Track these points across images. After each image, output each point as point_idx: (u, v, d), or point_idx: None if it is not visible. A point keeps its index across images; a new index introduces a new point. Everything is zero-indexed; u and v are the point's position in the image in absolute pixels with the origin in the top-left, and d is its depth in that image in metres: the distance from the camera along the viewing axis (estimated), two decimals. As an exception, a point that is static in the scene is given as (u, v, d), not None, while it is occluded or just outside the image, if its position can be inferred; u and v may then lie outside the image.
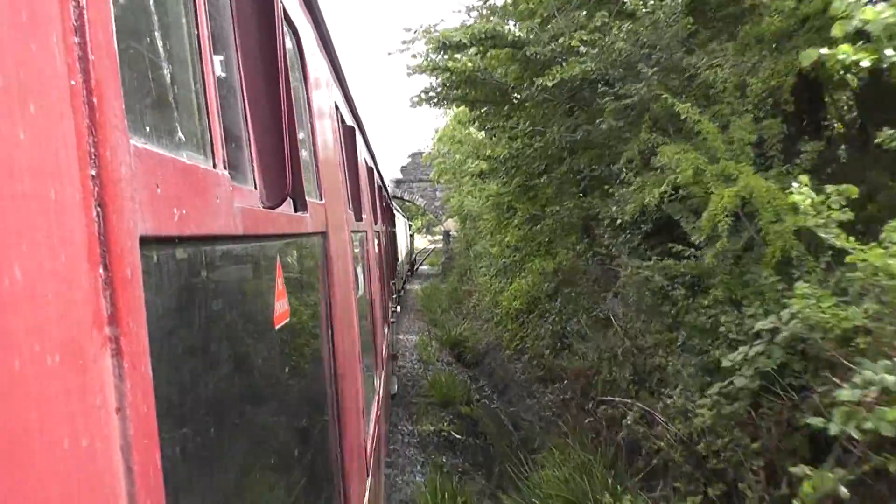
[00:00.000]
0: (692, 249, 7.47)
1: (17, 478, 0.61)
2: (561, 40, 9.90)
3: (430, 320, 26.67)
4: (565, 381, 11.40)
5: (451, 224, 42.10)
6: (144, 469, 0.81)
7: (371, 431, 4.84)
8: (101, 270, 0.76)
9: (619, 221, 9.22)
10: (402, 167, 47.53)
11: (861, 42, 4.81)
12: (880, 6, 4.70)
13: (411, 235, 53.51)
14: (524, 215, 15.33)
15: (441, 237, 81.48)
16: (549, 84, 9.68)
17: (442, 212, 43.99)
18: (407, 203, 48.21)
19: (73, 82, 0.75)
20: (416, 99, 12.89)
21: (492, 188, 17.68)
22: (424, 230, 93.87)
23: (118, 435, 0.77)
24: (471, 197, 27.77)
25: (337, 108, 4.40)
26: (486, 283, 22.91)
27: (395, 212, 25.69)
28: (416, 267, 54.11)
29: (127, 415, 0.78)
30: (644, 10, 8.94)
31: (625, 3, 9.53)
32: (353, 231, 4.52)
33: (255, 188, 1.74)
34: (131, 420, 0.79)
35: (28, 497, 0.63)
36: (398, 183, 46.49)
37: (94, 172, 0.76)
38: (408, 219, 49.98)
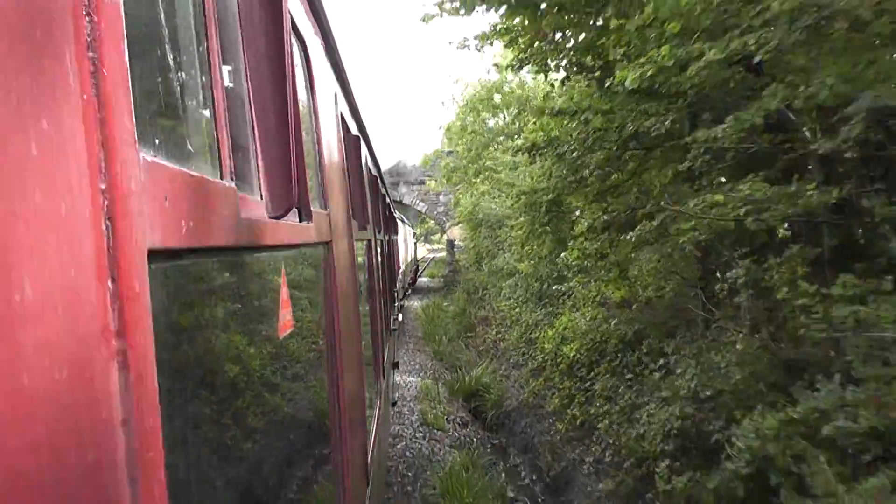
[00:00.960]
0: None
1: (23, 493, 0.61)
2: None
3: (433, 352, 21.62)
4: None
5: (456, 232, 36.89)
6: (149, 482, 0.81)
7: (371, 441, 4.84)
8: (109, 284, 0.77)
9: None
10: (390, 168, 40.62)
11: None
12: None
13: (415, 243, 48.28)
14: (596, 216, 9.42)
15: (441, 245, 74.07)
16: None
17: (446, 218, 38.59)
18: (407, 206, 40.55)
19: (85, 97, 0.75)
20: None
21: (524, 184, 12.54)
22: (422, 238, 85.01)
23: (124, 448, 0.77)
24: (488, 197, 24.10)
25: (342, 117, 4.41)
26: (512, 310, 17.67)
27: (397, 220, 24.34)
28: (419, 274, 50.05)
29: (132, 428, 0.79)
30: None
31: None
32: (356, 240, 4.52)
33: (261, 198, 1.75)
34: (137, 433, 0.79)
35: None
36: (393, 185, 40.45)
37: (103, 186, 0.77)
38: (411, 225, 44.48)
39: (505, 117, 28.58)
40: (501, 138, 27.12)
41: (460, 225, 32.07)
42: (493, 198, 23.39)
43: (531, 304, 16.67)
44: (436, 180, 34.49)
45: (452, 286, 34.37)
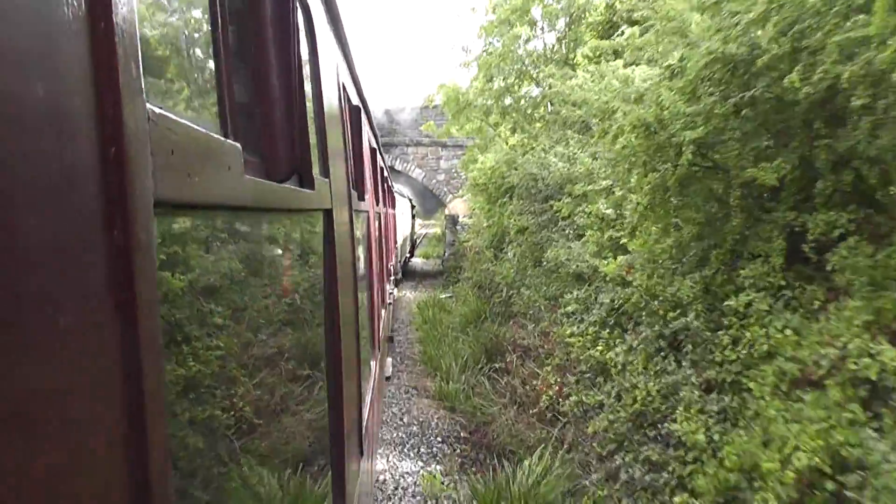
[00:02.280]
0: None
1: (27, 441, 0.61)
2: None
3: (439, 393, 13.38)
4: None
5: (459, 206, 29.30)
6: (153, 436, 0.81)
7: (367, 413, 4.86)
8: (115, 233, 0.76)
9: None
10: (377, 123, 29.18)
11: None
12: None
13: (412, 217, 41.85)
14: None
15: (435, 221, 63.14)
16: None
17: (447, 188, 30.48)
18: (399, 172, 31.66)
19: (92, 42, 0.74)
20: None
21: (647, 111, 6.96)
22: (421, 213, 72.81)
23: (127, 401, 0.77)
24: (538, 150, 16.38)
25: (344, 87, 4.38)
26: (600, 351, 9.14)
27: (395, 194, 23.60)
28: (416, 245, 46.56)
29: (136, 380, 0.78)
30: None
31: None
32: (355, 211, 4.51)
33: (263, 161, 1.74)
34: (140, 386, 0.78)
35: (38, 460, 0.62)
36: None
37: (110, 133, 0.75)
38: (409, 198, 37.91)
39: (544, 40, 21.13)
40: (546, 68, 17.85)
41: (465, 197, 25.88)
42: (543, 149, 15.97)
43: (649, 348, 8.04)
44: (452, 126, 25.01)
45: (454, 274, 27.27)
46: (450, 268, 29.17)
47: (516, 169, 16.77)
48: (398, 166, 30.57)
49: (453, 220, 30.93)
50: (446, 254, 31.51)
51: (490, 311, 16.86)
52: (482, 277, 19.42)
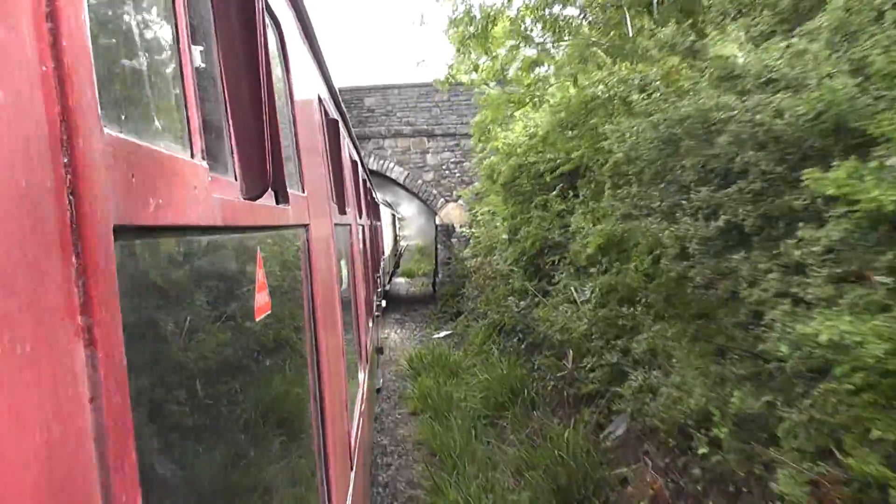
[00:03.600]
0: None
1: None
2: None
3: None
4: None
5: (454, 214, 23.31)
6: (119, 460, 0.81)
7: (355, 425, 4.84)
8: (73, 259, 0.76)
9: None
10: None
11: None
12: None
13: (395, 225, 37.55)
14: None
15: (411, 232, 54.26)
16: None
17: (437, 190, 23.63)
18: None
19: (44, 68, 0.74)
20: None
21: None
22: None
23: (92, 426, 0.76)
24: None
25: (321, 100, 4.38)
26: None
27: (379, 204, 22.60)
28: (400, 259, 40.98)
29: (101, 405, 0.78)
30: None
31: None
32: (336, 224, 4.51)
33: (236, 179, 1.73)
34: (105, 410, 0.78)
35: (1, 486, 0.62)
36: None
37: (66, 160, 0.75)
38: (394, 210, 34.80)
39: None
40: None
41: (461, 201, 22.44)
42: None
43: None
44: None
45: (452, 302, 22.11)
46: (446, 294, 23.12)
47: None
48: (373, 164, 23.24)
49: (447, 232, 23.99)
50: (439, 275, 24.64)
51: (536, 384, 10.54)
52: (507, 318, 13.03)
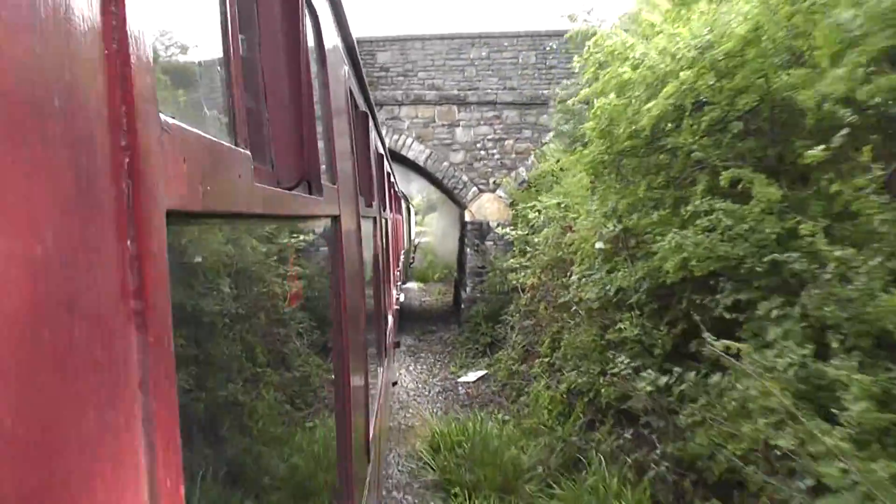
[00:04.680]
0: None
1: (42, 448, 0.61)
2: None
3: None
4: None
5: (490, 208, 18.24)
6: (165, 444, 0.81)
7: (373, 419, 4.85)
8: (128, 243, 0.76)
9: None
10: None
11: None
12: None
13: (410, 219, 32.98)
14: None
15: (427, 228, 47.71)
16: None
17: (469, 176, 18.27)
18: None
19: (106, 51, 0.74)
20: None
21: None
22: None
23: (141, 409, 0.77)
24: None
25: (351, 93, 4.39)
26: None
27: (402, 198, 21.58)
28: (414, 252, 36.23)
29: (150, 389, 0.78)
30: None
31: None
32: (363, 217, 4.52)
33: (273, 169, 1.74)
34: (154, 395, 0.78)
35: (53, 467, 0.62)
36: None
37: (124, 143, 0.76)
38: (408, 201, 31.15)
39: None
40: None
41: (499, 192, 17.79)
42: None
43: None
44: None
45: (486, 327, 16.70)
46: (477, 316, 17.39)
47: None
48: (386, 139, 16.09)
49: (480, 231, 18.28)
50: (467, 288, 18.42)
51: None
52: (605, 388, 8.03)
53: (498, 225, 17.76)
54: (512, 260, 14.30)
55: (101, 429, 0.70)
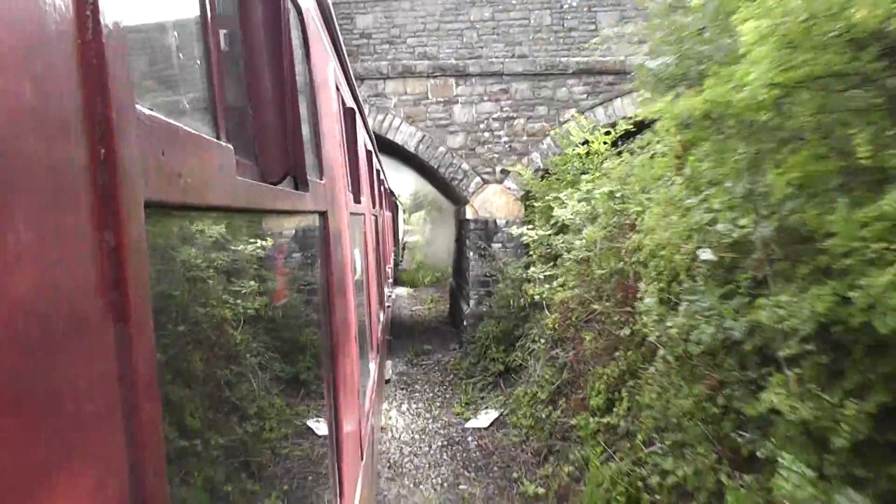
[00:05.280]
0: None
1: (20, 440, 0.60)
2: None
3: None
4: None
5: (496, 201, 15.12)
6: (147, 438, 0.80)
7: (366, 414, 4.85)
8: (105, 234, 0.75)
9: None
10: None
11: None
12: None
13: (396, 216, 29.13)
14: None
15: (412, 226, 42.44)
16: None
17: (469, 164, 15.03)
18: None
19: (79, 41, 0.73)
20: None
21: None
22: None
23: (121, 402, 0.76)
24: None
25: (338, 88, 4.37)
26: None
27: (392, 195, 21.07)
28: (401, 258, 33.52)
29: (130, 382, 0.77)
30: None
31: None
32: (351, 213, 4.51)
33: (257, 163, 1.73)
34: (134, 388, 0.78)
35: (32, 461, 0.62)
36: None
37: (100, 134, 0.75)
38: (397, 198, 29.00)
39: None
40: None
41: (507, 183, 14.82)
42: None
43: None
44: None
45: (496, 352, 13.68)
46: (485, 337, 14.16)
47: None
48: (369, 121, 12.10)
49: (485, 231, 15.14)
50: (471, 301, 15.25)
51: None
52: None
53: (507, 223, 14.98)
54: (532, 269, 11.41)
55: (80, 421, 0.70)
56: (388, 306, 12.05)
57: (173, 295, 1.09)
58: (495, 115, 15.12)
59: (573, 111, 14.40)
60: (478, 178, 15.26)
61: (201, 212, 1.18)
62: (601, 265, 8.49)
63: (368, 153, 8.15)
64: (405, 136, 15.12)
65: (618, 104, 14.70)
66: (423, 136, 15.14)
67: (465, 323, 15.70)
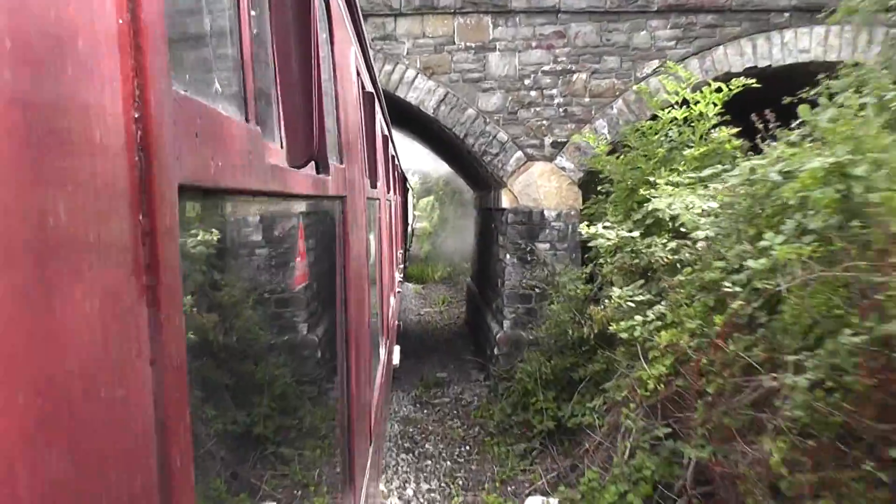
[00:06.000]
0: None
1: (54, 422, 0.60)
2: None
3: None
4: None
5: (545, 184, 10.82)
6: (175, 421, 0.80)
7: (375, 399, 4.87)
8: (140, 217, 0.75)
9: None
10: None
11: None
12: None
13: (406, 200, 23.65)
14: None
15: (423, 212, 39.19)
16: None
17: (509, 133, 10.80)
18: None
19: (120, 21, 0.73)
20: None
21: None
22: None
23: (152, 386, 0.76)
24: None
25: (359, 73, 4.36)
26: None
27: (406, 181, 20.53)
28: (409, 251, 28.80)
29: (161, 366, 0.77)
30: None
31: None
32: (368, 198, 4.50)
33: (282, 147, 1.73)
34: (165, 372, 0.78)
35: (64, 442, 0.62)
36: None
37: (137, 115, 0.74)
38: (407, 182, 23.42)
39: None
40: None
41: (560, 158, 10.99)
42: None
43: None
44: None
45: (544, 399, 9.25)
46: (528, 378, 9.80)
47: None
48: (376, 71, 6.88)
49: (528, 225, 11.26)
50: (506, 322, 11.22)
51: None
52: None
53: (559, 215, 11.06)
54: (618, 293, 7.06)
55: (111, 405, 0.70)
56: (399, 291, 12.01)
57: (203, 279, 1.08)
58: (546, 68, 11.16)
59: (656, 63, 10.87)
60: (519, 153, 11.19)
61: (231, 195, 1.17)
62: (803, 313, 4.62)
63: (385, 138, 8.14)
64: (421, 93, 11.10)
65: (720, 54, 10.88)
66: (446, 95, 11.11)
67: (495, 351, 11.37)
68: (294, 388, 1.99)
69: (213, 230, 1.16)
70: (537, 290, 10.98)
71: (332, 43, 2.89)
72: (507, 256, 11.29)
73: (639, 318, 6.45)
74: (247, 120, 1.27)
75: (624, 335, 6.57)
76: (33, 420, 0.56)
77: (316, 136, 1.86)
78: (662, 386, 5.97)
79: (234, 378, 1.31)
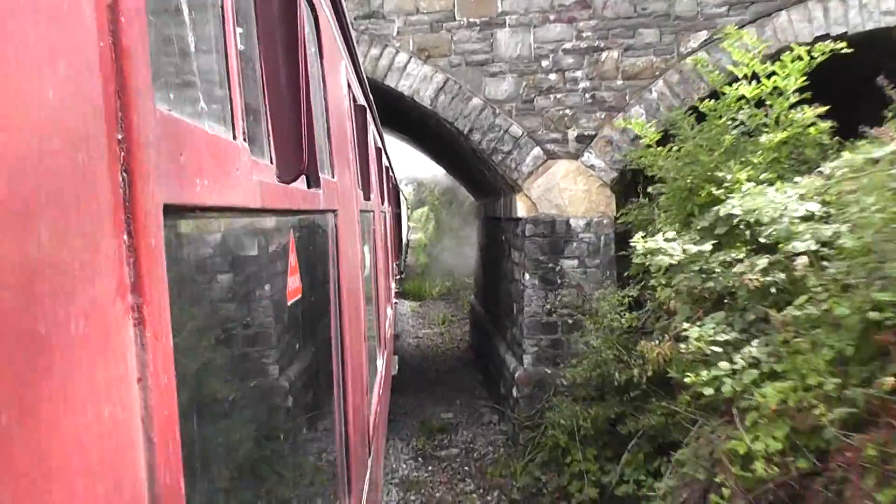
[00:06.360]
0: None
1: (39, 444, 0.60)
2: None
3: None
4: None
5: (570, 186, 8.80)
6: (164, 440, 0.80)
7: (373, 411, 4.86)
8: (125, 237, 0.75)
9: None
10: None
11: None
12: None
13: (399, 208, 21.48)
14: None
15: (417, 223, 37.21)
16: None
17: (525, 126, 8.84)
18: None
19: (102, 44, 0.73)
20: None
21: None
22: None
23: (139, 405, 0.76)
24: None
25: (350, 87, 4.38)
26: None
27: (401, 193, 20.54)
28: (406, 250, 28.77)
29: (148, 385, 0.77)
30: None
31: None
32: (361, 210, 4.51)
33: (271, 163, 1.73)
34: (152, 391, 0.78)
35: (49, 463, 0.62)
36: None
37: (120, 136, 0.75)
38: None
39: None
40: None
41: (588, 155, 8.95)
42: None
43: None
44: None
45: (573, 473, 7.31)
46: (559, 431, 7.86)
47: None
48: (359, 55, 5.17)
49: (551, 238, 9.19)
50: (526, 357, 9.07)
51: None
52: None
53: (588, 224, 9.15)
54: (695, 332, 4.86)
55: (99, 425, 0.70)
56: (395, 302, 12.03)
57: (190, 298, 1.09)
58: (568, 45, 9.23)
59: (704, 35, 8.92)
60: (537, 150, 9.31)
61: (218, 213, 1.18)
62: None
63: (378, 150, 8.15)
64: (415, 81, 9.32)
65: (782, 21, 8.86)
66: (446, 82, 9.30)
67: (514, 392, 9.34)
68: (287, 404, 1.99)
69: (202, 249, 1.16)
70: (565, 318, 9.03)
71: (321, 57, 2.90)
72: (526, 276, 9.26)
73: (724, 364, 4.49)
74: (234, 137, 1.27)
75: (707, 390, 4.45)
76: (20, 439, 0.57)
77: (306, 151, 1.86)
78: (775, 468, 4.01)
79: (228, 396, 1.31)
